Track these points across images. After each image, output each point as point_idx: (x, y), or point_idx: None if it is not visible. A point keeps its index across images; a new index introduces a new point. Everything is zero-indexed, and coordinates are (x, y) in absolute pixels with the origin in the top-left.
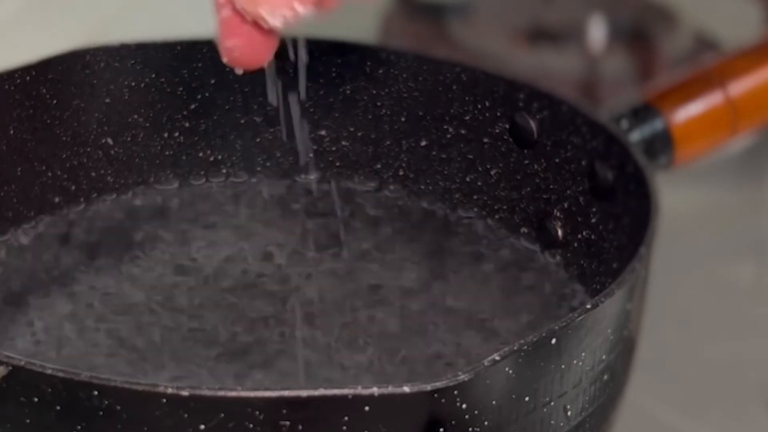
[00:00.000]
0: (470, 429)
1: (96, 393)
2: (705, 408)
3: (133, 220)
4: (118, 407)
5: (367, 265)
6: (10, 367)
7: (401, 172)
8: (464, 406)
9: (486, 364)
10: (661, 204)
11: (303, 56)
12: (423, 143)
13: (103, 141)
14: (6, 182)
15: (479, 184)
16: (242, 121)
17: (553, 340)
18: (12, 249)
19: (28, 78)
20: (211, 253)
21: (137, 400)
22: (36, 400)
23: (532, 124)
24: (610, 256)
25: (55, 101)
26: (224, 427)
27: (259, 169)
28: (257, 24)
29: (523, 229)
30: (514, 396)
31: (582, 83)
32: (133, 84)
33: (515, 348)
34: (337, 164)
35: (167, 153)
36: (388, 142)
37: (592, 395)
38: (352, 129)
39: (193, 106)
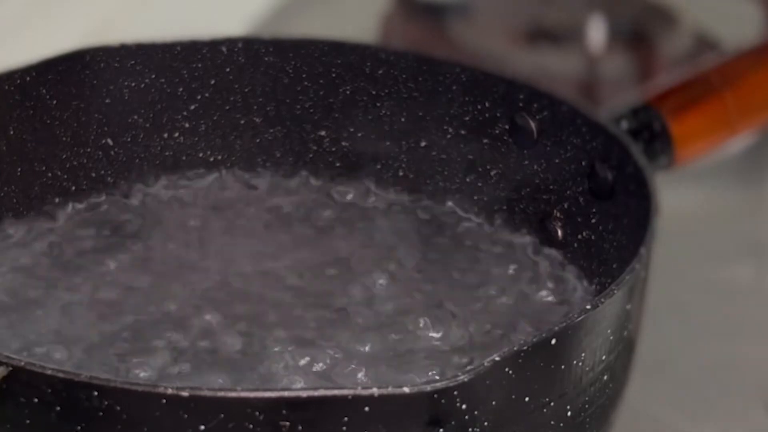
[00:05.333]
0: (470, 429)
1: (96, 393)
2: (705, 408)
3: (133, 221)
4: (118, 408)
5: (367, 265)
6: (10, 368)
7: (401, 172)
8: (464, 406)
9: (486, 364)
10: (661, 204)
11: None
12: (423, 143)
13: (103, 141)
14: (6, 182)
15: (479, 184)
16: (242, 121)
17: (553, 341)
18: (11, 248)
19: (28, 78)
20: (211, 253)
21: (137, 400)
22: (36, 400)
23: (532, 124)
24: (610, 256)
25: (55, 101)
26: (224, 428)
27: (259, 169)
28: None
29: (523, 229)
30: (513, 396)
31: (582, 83)
32: (133, 84)
33: (515, 348)
34: (337, 164)
35: (167, 153)
36: (388, 142)
37: (592, 396)
38: (352, 129)
39: (193, 107)
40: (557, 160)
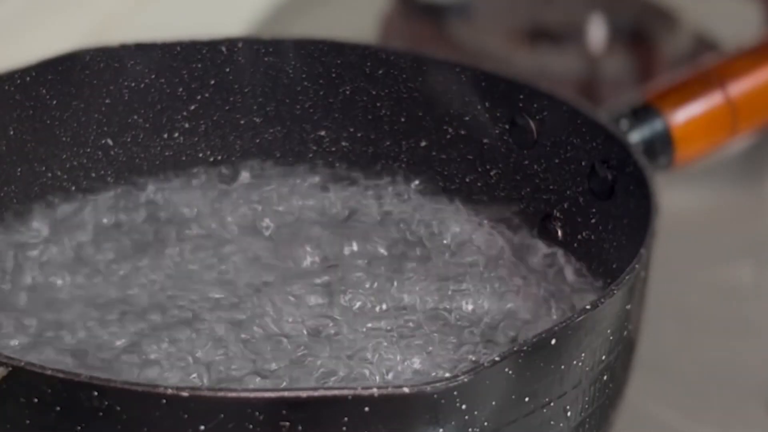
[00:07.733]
0: (470, 429)
1: (96, 394)
2: (705, 408)
3: (133, 221)
4: (118, 408)
5: (366, 265)
6: (10, 368)
7: (401, 173)
8: (464, 406)
9: (486, 364)
10: (661, 204)
11: None
12: (423, 143)
13: (103, 141)
14: (6, 182)
15: (479, 184)
16: (242, 122)
17: (553, 341)
18: (12, 248)
19: (28, 78)
20: (212, 253)
21: (137, 400)
22: (36, 400)
23: (532, 125)
24: (610, 256)
25: (55, 101)
26: (224, 428)
27: (258, 169)
28: None
29: (523, 230)
30: (513, 397)
31: (582, 83)
32: (133, 85)
33: (515, 349)
34: (337, 164)
35: (167, 153)
36: (388, 142)
37: (592, 396)
38: (352, 129)
39: (193, 107)
40: (557, 160)
